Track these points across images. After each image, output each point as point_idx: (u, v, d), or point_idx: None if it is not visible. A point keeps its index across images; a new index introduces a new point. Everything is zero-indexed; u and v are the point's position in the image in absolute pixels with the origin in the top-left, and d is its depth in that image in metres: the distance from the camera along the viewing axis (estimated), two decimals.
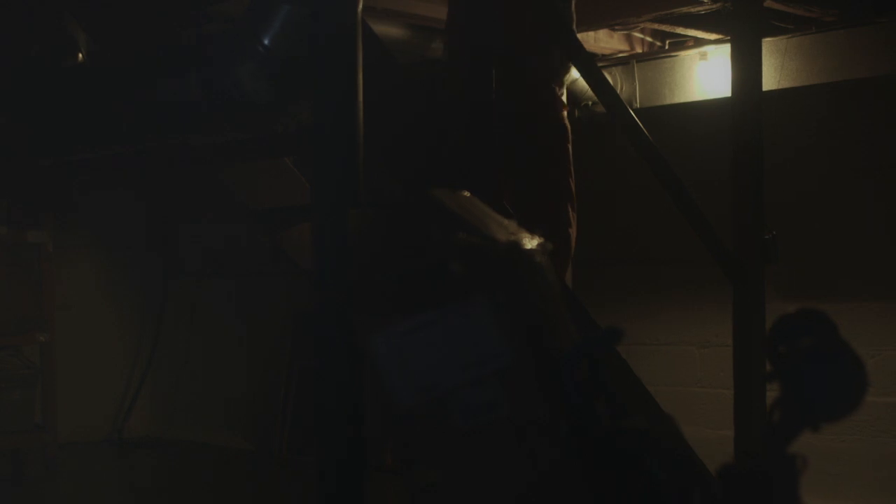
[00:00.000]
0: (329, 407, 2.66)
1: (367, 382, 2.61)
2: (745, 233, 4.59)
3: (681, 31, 5.66)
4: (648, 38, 5.92)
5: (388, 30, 5.07)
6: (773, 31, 5.50)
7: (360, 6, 2.94)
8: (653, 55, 5.94)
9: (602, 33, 5.67)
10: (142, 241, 8.44)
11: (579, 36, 5.54)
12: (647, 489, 2.44)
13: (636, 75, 5.99)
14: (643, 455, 2.50)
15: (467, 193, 2.74)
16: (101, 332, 8.22)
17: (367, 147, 3.79)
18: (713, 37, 5.63)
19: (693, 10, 5.16)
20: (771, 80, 5.45)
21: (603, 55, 5.97)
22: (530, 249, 2.61)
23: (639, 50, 5.93)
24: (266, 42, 3.10)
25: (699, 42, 5.80)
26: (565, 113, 4.73)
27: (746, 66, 4.52)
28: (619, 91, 6.06)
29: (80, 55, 4.04)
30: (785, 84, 5.53)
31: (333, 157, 2.71)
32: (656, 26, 5.67)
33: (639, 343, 6.15)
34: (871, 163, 5.76)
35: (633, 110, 6.05)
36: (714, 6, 5.04)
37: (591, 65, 4.26)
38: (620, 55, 5.99)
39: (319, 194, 2.70)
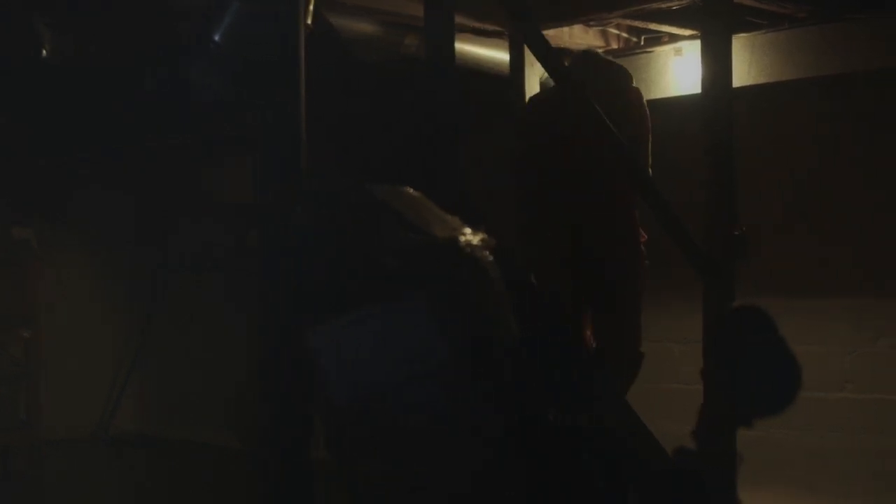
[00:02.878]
0: (272, 400, 2.67)
1: (311, 377, 2.61)
2: (716, 229, 4.58)
3: (654, 27, 5.65)
4: (624, 35, 5.91)
5: (360, 26, 5.07)
6: (746, 27, 5.50)
7: (307, 14, 2.94)
8: (628, 51, 5.92)
9: (577, 29, 5.65)
10: (135, 239, 8.44)
11: (553, 32, 5.56)
12: (584, 484, 2.44)
13: None
14: (582, 451, 2.50)
15: (410, 189, 2.74)
16: (91, 329, 8.23)
17: (327, 143, 3.80)
18: (687, 33, 5.63)
19: (664, 5, 5.15)
20: (744, 75, 5.45)
21: None
22: (471, 246, 2.61)
23: (614, 46, 5.91)
24: (216, 39, 3.09)
25: (673, 38, 5.79)
26: (643, 244, 4.84)
27: (717, 63, 4.50)
28: None
29: (44, 52, 4.04)
30: (757, 80, 5.53)
31: (275, 157, 2.72)
32: (629, 22, 5.66)
33: None
34: (848, 159, 5.76)
35: None
36: (684, 2, 5.04)
37: (556, 61, 4.26)
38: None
39: (262, 193, 2.71)
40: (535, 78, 5.36)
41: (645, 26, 5.69)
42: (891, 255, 5.63)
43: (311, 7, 3.21)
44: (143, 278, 8.43)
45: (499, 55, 5.56)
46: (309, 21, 3.20)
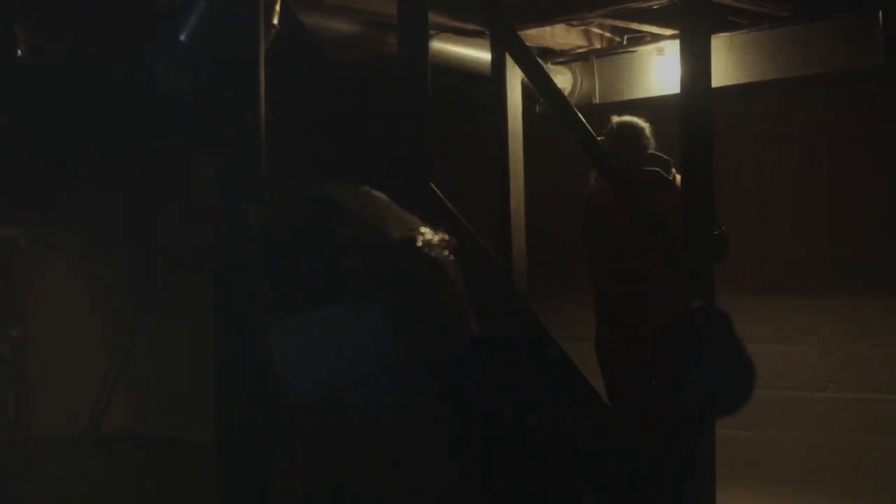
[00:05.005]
0: (228, 397, 2.67)
1: (268, 376, 2.61)
2: (695, 228, 4.57)
3: (636, 26, 5.65)
4: (607, 34, 5.91)
5: (340, 26, 5.06)
6: (728, 27, 5.50)
7: (273, 14, 2.95)
8: (611, 51, 5.93)
9: (559, 29, 5.65)
10: (128, 238, 8.44)
11: (535, 31, 5.56)
12: (540, 485, 2.44)
13: (595, 71, 5.99)
14: (538, 452, 2.50)
15: (370, 188, 2.74)
16: (81, 328, 8.23)
17: (300, 142, 3.81)
18: (669, 32, 5.62)
19: (644, 5, 5.15)
20: (725, 75, 5.45)
21: (562, 51, 5.96)
22: (430, 245, 2.61)
23: (597, 46, 5.92)
24: (182, 38, 3.10)
25: (656, 38, 5.79)
26: None
27: (696, 62, 4.49)
28: (578, 87, 6.07)
29: (20, 51, 4.05)
30: (739, 79, 5.52)
31: (234, 157, 2.72)
32: (611, 22, 5.66)
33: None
34: (831, 159, 5.74)
35: (592, 106, 6.08)
36: (664, 1, 5.04)
37: (533, 63, 4.29)
38: (579, 51, 5.98)
39: (221, 192, 2.71)
40: (516, 78, 5.36)
41: (627, 26, 5.69)
42: (874, 255, 5.62)
43: (279, 7, 3.21)
44: (135, 277, 8.43)
45: (482, 55, 5.56)
46: (276, 21, 3.21)
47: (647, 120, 5.67)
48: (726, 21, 5.42)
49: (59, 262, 8.24)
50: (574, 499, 2.43)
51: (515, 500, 2.50)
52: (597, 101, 6.01)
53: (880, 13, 5.22)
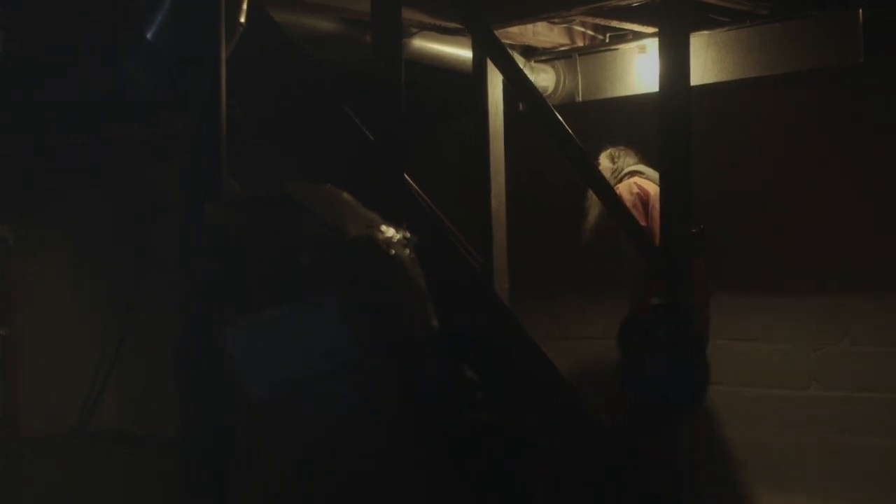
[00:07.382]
0: (189, 397, 2.68)
1: (225, 374, 2.61)
2: (673, 226, 4.56)
3: (616, 24, 5.64)
4: (590, 32, 5.91)
5: (320, 23, 5.06)
6: (709, 25, 5.49)
7: (240, 12, 2.95)
8: (593, 49, 5.92)
9: (541, 27, 5.65)
10: (116, 238, 8.42)
11: (517, 29, 5.56)
12: (493, 481, 2.45)
13: (578, 69, 5.98)
14: (493, 449, 2.50)
15: (330, 187, 2.75)
16: (71, 327, 8.21)
17: (272, 141, 3.80)
18: (650, 30, 5.61)
19: (623, 2, 5.15)
20: (705, 73, 5.45)
21: (544, 49, 5.96)
22: (389, 243, 2.61)
23: (580, 43, 5.91)
24: (149, 37, 3.10)
25: (638, 35, 5.78)
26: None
27: (674, 60, 4.48)
28: (561, 85, 6.07)
29: None
30: (718, 77, 5.52)
31: (193, 156, 2.72)
32: (593, 20, 5.65)
33: (578, 338, 6.15)
34: (812, 157, 5.74)
35: (575, 104, 6.08)
36: None
37: (510, 63, 4.29)
38: (562, 48, 5.98)
39: (182, 190, 2.72)
40: (497, 77, 5.35)
41: (609, 24, 5.68)
42: (857, 253, 5.62)
43: (245, 6, 3.20)
44: (124, 277, 8.42)
45: (463, 52, 5.56)
46: (242, 19, 3.20)
47: (631, 119, 5.70)
48: (706, 19, 5.42)
49: (48, 260, 8.21)
50: (527, 492, 2.44)
51: (472, 493, 2.51)
52: (580, 98, 6.00)
53: (860, 10, 5.21)
